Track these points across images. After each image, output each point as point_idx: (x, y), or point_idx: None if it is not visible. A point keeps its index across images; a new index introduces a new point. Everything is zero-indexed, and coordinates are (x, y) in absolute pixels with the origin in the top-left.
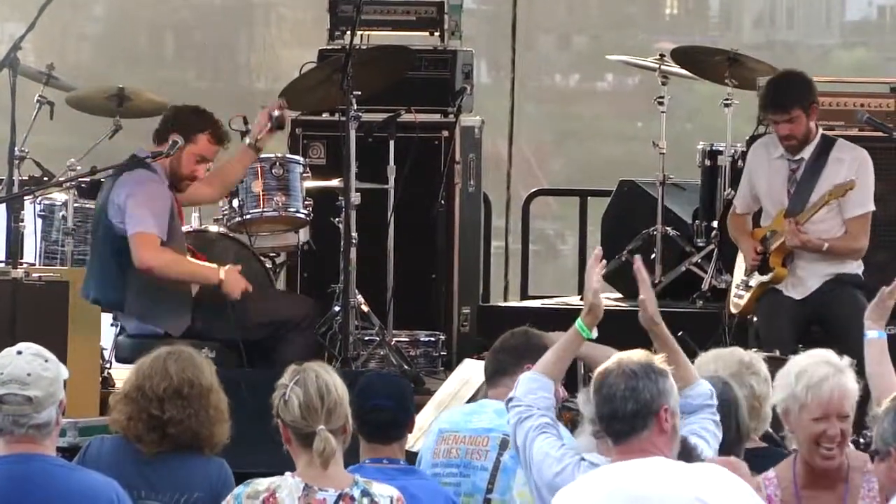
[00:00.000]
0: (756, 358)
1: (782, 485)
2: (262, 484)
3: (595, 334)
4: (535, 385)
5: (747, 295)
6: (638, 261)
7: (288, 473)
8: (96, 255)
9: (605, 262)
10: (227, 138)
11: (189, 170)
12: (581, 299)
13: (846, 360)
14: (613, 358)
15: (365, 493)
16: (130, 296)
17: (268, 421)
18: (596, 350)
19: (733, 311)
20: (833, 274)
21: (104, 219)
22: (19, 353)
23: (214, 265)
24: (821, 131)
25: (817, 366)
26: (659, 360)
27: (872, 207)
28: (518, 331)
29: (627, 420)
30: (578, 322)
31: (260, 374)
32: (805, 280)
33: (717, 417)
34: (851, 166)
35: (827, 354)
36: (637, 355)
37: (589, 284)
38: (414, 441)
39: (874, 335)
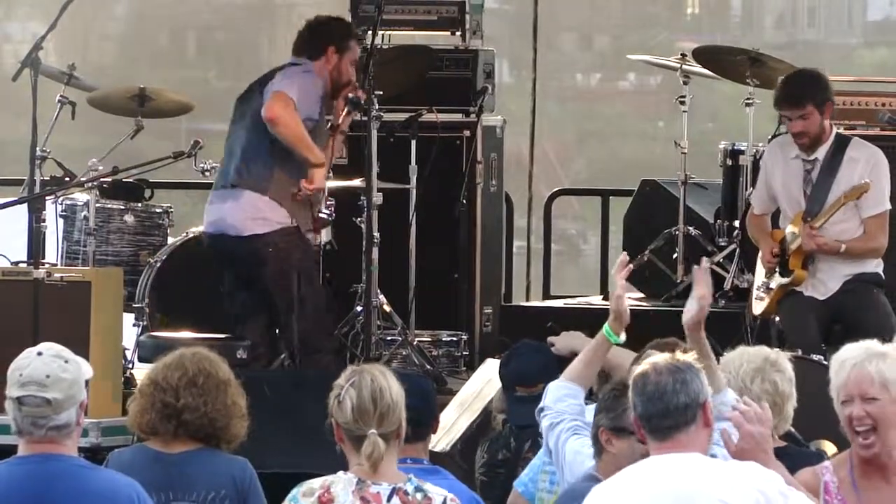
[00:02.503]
0: (782, 356)
1: (839, 474)
2: (316, 482)
3: (623, 339)
4: (563, 392)
5: (768, 297)
6: (705, 262)
7: (341, 472)
8: (242, 138)
9: (630, 266)
10: (363, 37)
11: (348, 76)
12: (603, 299)
13: (891, 346)
14: (645, 362)
15: (419, 489)
16: (275, 181)
17: (288, 421)
18: (613, 352)
19: (755, 312)
20: (853, 274)
21: (258, 99)
22: (39, 354)
23: (317, 163)
24: (835, 131)
25: (851, 351)
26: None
27: (889, 206)
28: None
29: (680, 413)
30: (606, 328)
31: (283, 375)
32: (825, 281)
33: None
34: (866, 165)
35: (870, 343)
36: (666, 357)
37: (615, 290)
38: (437, 441)
39: None
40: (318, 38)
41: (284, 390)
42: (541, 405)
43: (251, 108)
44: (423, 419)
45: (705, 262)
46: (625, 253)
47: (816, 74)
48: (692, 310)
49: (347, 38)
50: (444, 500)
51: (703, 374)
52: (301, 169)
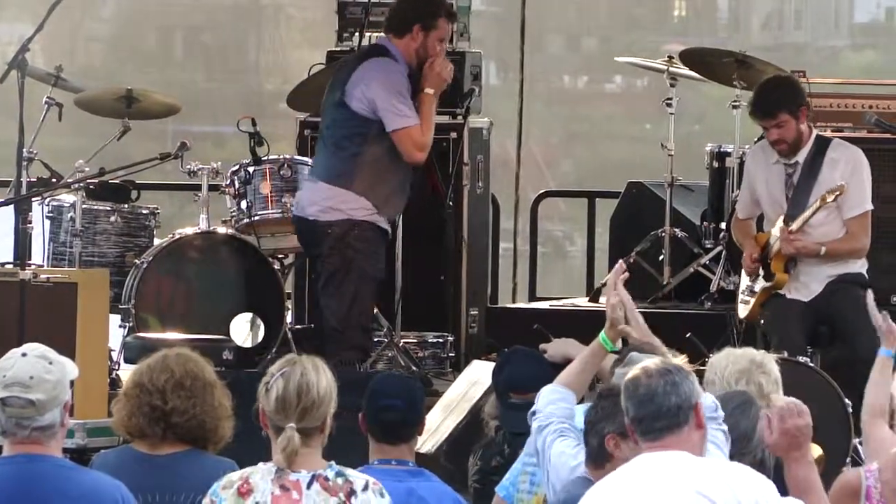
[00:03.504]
0: (769, 358)
1: (883, 477)
2: (235, 475)
3: (619, 347)
4: (555, 397)
5: (752, 300)
6: (622, 290)
7: (261, 463)
8: (325, 137)
9: (627, 274)
10: (458, 16)
11: (433, 53)
12: (589, 301)
13: None
14: (636, 367)
15: (339, 474)
16: (359, 173)
17: None
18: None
19: (740, 315)
20: (836, 275)
21: (340, 99)
22: (24, 354)
23: (429, 91)
24: (815, 133)
25: None
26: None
27: (870, 206)
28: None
29: (672, 414)
30: (602, 335)
31: None
32: (809, 284)
33: (725, 428)
34: (847, 166)
35: None
36: (656, 360)
37: (610, 298)
38: (422, 442)
39: (883, 352)
40: (404, 15)
41: None
42: (533, 408)
43: (331, 101)
44: (409, 420)
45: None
46: (621, 261)
47: (788, 82)
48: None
49: (435, 15)
50: (367, 484)
51: (694, 376)
52: (391, 155)
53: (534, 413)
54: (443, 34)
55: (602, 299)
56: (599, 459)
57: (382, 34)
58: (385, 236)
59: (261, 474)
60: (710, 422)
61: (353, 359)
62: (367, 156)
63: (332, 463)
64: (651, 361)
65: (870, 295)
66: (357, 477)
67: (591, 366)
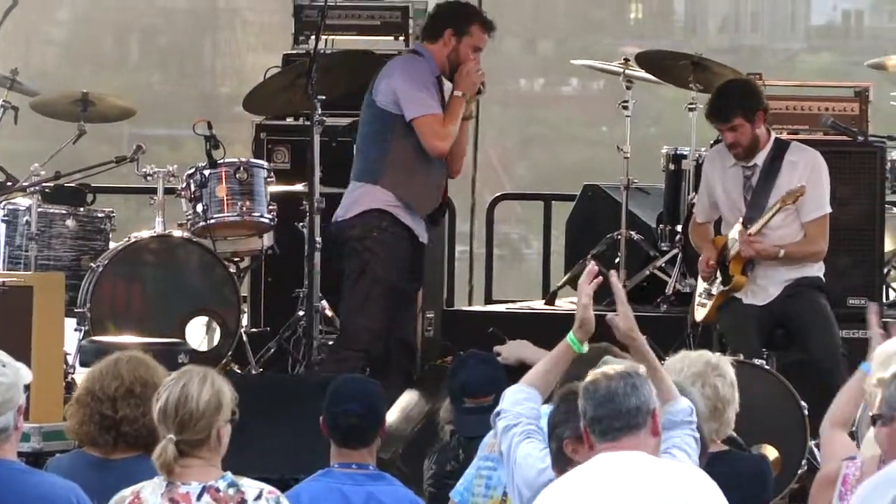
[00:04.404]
0: (724, 361)
1: (867, 470)
2: (126, 491)
3: (586, 348)
4: (521, 396)
5: (709, 303)
6: (613, 275)
7: (156, 478)
8: (357, 142)
9: (600, 278)
10: (494, 25)
11: (466, 59)
12: (545, 304)
13: None
14: (597, 370)
15: (232, 484)
16: (388, 169)
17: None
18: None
19: (697, 318)
20: (793, 279)
21: (369, 98)
22: None
23: (458, 94)
24: (773, 136)
25: None
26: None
27: (829, 209)
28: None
29: (631, 415)
30: (570, 336)
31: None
32: (766, 287)
33: (697, 434)
34: (805, 169)
35: None
36: (615, 366)
37: (581, 299)
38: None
39: (864, 367)
40: (437, 20)
41: (270, 394)
42: (498, 408)
43: (363, 106)
44: (369, 424)
45: (613, 274)
46: (594, 263)
47: (745, 85)
48: (615, 324)
49: (468, 22)
50: (260, 493)
51: (651, 384)
52: (418, 150)
53: (499, 413)
54: (476, 42)
55: (558, 302)
56: (560, 463)
57: (341, 37)
58: (409, 239)
59: (151, 488)
60: (685, 426)
61: (352, 359)
62: (393, 151)
63: (227, 474)
64: (610, 367)
65: (873, 307)
66: (250, 486)
67: (558, 367)
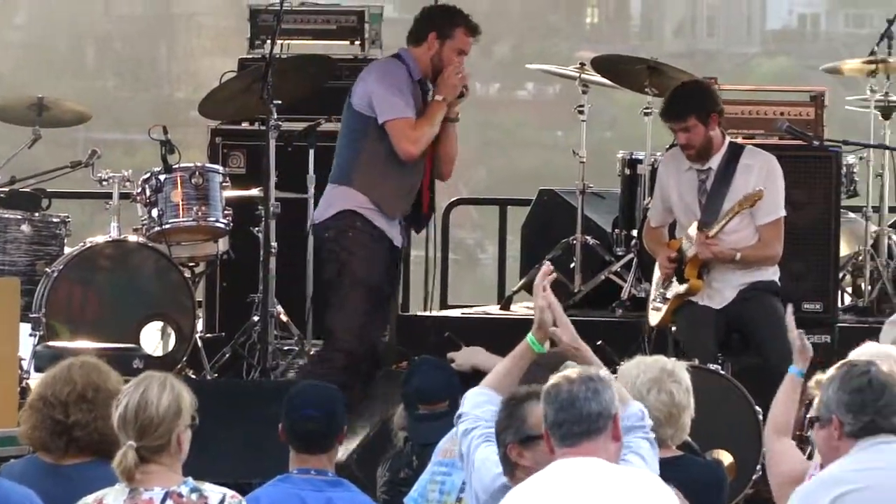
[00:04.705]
0: (679, 366)
1: None
2: (89, 497)
3: (547, 348)
4: (482, 399)
5: (665, 307)
6: (548, 290)
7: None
8: (338, 137)
9: (554, 275)
10: (479, 29)
11: (449, 62)
12: (501, 308)
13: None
14: (557, 375)
15: (194, 490)
16: (361, 171)
17: (237, 430)
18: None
19: (652, 322)
20: (749, 282)
21: (348, 101)
22: None
23: (438, 98)
24: (728, 139)
25: None
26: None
27: (783, 213)
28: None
29: (592, 420)
30: (530, 337)
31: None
32: (721, 290)
33: (652, 436)
34: (760, 172)
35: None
36: (579, 369)
37: (537, 300)
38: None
39: (793, 370)
40: (421, 24)
41: (233, 399)
42: (459, 411)
43: (344, 107)
44: (328, 430)
45: (549, 291)
46: (548, 263)
47: (701, 86)
48: (557, 338)
49: (451, 26)
50: (223, 497)
51: (615, 387)
52: (393, 153)
53: (460, 416)
54: (460, 45)
55: (514, 307)
56: (507, 468)
57: (296, 41)
58: (384, 241)
59: (114, 495)
60: (637, 430)
61: (334, 359)
62: (366, 153)
63: (189, 479)
64: (570, 371)
65: (789, 310)
66: (213, 491)
67: (518, 368)
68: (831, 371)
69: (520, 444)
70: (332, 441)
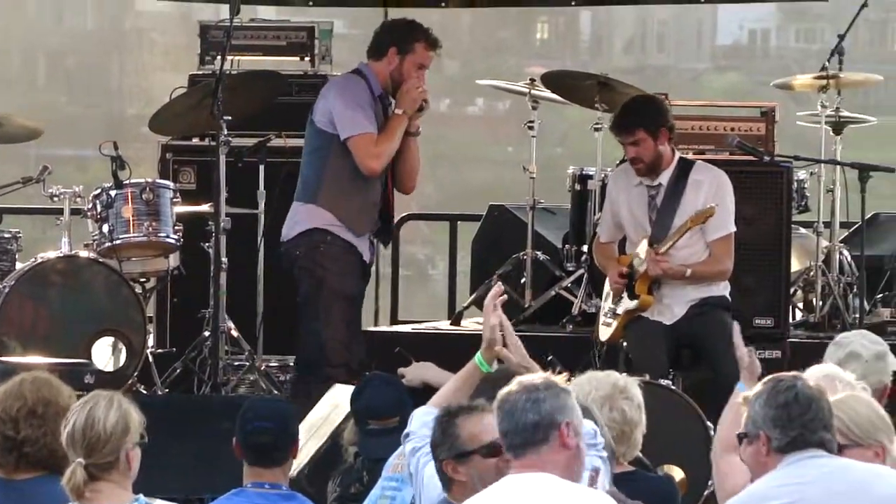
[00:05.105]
0: (631, 383)
1: None
2: None
3: (494, 368)
4: (429, 418)
5: (615, 322)
6: (500, 309)
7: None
8: (303, 154)
9: (504, 297)
10: (439, 43)
11: (409, 76)
12: (451, 324)
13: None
14: (516, 379)
15: None
16: (325, 188)
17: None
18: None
19: (602, 338)
20: (699, 298)
21: (310, 118)
22: None
23: (398, 111)
24: (678, 155)
25: None
26: (562, 379)
27: (734, 228)
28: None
29: (528, 432)
30: (478, 356)
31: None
32: (671, 306)
33: (605, 454)
34: (710, 188)
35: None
36: (540, 376)
37: (487, 320)
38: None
39: (741, 388)
40: (381, 38)
41: (184, 414)
42: (406, 430)
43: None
44: (281, 443)
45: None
46: (500, 284)
47: (652, 101)
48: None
49: (411, 40)
50: None
51: (571, 396)
52: (356, 170)
53: (407, 435)
54: (420, 59)
55: (464, 322)
56: (444, 484)
57: (247, 57)
58: (355, 254)
59: None
60: (590, 449)
61: (336, 376)
62: (330, 170)
63: (140, 496)
64: (529, 377)
65: (737, 327)
66: None
67: (466, 387)
68: (758, 387)
69: (454, 460)
70: (285, 454)
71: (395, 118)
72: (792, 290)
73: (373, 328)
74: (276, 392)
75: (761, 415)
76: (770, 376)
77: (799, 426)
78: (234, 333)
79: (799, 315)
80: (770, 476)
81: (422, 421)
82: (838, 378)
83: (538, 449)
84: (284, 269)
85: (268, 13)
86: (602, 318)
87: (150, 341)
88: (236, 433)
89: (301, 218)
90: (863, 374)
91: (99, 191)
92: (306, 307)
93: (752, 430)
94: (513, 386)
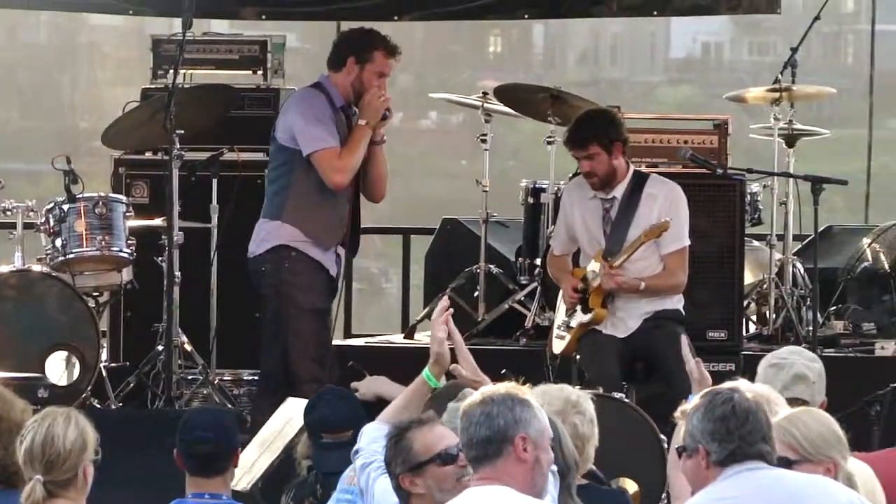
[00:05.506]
0: (584, 397)
1: None
2: None
3: (443, 383)
4: (378, 434)
5: (569, 335)
6: (451, 323)
7: None
8: (267, 171)
9: (451, 310)
10: (398, 50)
11: (370, 86)
12: (405, 338)
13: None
14: (480, 390)
15: None
16: (291, 205)
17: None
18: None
19: (555, 351)
20: (653, 311)
21: (272, 134)
22: None
23: (361, 122)
24: (632, 168)
25: None
26: (523, 390)
27: (688, 242)
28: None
29: (481, 446)
30: (426, 371)
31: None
32: (625, 320)
33: (555, 469)
34: (665, 201)
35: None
36: (502, 387)
37: (435, 334)
38: (238, 479)
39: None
40: (339, 49)
41: (129, 428)
42: (356, 447)
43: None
44: (222, 452)
45: (450, 324)
46: (446, 297)
47: (606, 115)
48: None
49: (370, 50)
50: None
51: (529, 408)
52: (321, 185)
53: (357, 451)
54: (380, 68)
55: (417, 336)
56: (404, 499)
57: (199, 71)
58: (321, 269)
59: None
60: None
61: (310, 393)
62: (296, 187)
63: None
64: (491, 388)
65: (685, 340)
66: None
67: (415, 402)
68: (695, 400)
69: (410, 473)
70: (227, 463)
71: (358, 130)
72: (745, 302)
73: None
74: (229, 406)
75: (699, 428)
76: (707, 389)
77: (737, 439)
78: (188, 347)
79: (752, 328)
80: (709, 490)
81: (371, 437)
82: (772, 399)
83: (493, 462)
84: (253, 285)
85: (221, 27)
86: (555, 332)
87: (104, 355)
88: (177, 444)
89: (267, 235)
90: (811, 396)
91: (52, 205)
92: (273, 324)
93: (691, 443)
94: (475, 397)
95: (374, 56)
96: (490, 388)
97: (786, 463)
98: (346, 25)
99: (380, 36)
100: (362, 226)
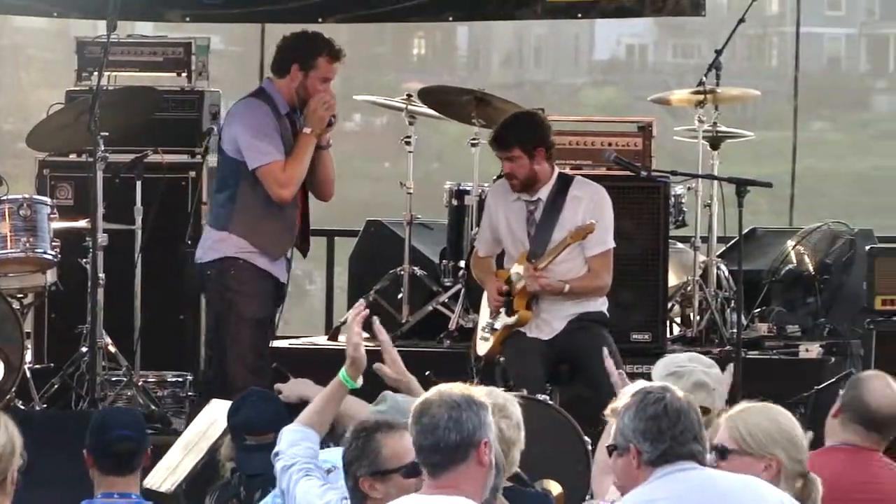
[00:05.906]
0: (511, 401)
1: None
2: None
3: (360, 384)
4: (298, 437)
5: (493, 337)
6: (376, 321)
7: None
8: (214, 181)
9: (367, 312)
10: (343, 54)
11: (314, 92)
12: (328, 339)
13: None
14: (433, 389)
15: None
16: (238, 216)
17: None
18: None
19: (479, 353)
20: (577, 313)
21: (218, 143)
22: None
23: (307, 131)
24: (557, 171)
25: None
26: (480, 392)
27: (612, 244)
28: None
29: (450, 451)
30: (342, 373)
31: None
32: (550, 322)
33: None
34: (590, 204)
35: None
36: (458, 388)
37: (351, 337)
38: (161, 481)
39: None
40: (283, 55)
41: (53, 430)
42: (276, 449)
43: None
44: (139, 450)
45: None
46: (363, 301)
47: (530, 118)
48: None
49: (314, 56)
50: None
51: (488, 412)
52: (267, 195)
53: (277, 454)
54: (324, 73)
55: (341, 337)
56: (357, 500)
57: (124, 73)
58: (267, 277)
59: None
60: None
61: None
62: (242, 198)
63: None
64: (448, 388)
65: (606, 352)
66: None
67: (333, 404)
68: (626, 398)
69: (372, 477)
70: (142, 460)
71: (303, 139)
72: (669, 305)
73: None
74: (154, 408)
75: (631, 427)
76: (638, 388)
77: (669, 439)
78: (112, 349)
79: (676, 330)
80: (640, 490)
81: (290, 440)
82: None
83: (457, 468)
84: (199, 287)
85: (145, 29)
86: (480, 334)
87: (28, 357)
88: (90, 444)
89: (214, 245)
90: (711, 403)
91: None
92: (216, 331)
93: (622, 442)
94: (433, 397)
95: (317, 63)
96: (447, 389)
97: (720, 452)
98: (271, 28)
99: (323, 40)
100: None
